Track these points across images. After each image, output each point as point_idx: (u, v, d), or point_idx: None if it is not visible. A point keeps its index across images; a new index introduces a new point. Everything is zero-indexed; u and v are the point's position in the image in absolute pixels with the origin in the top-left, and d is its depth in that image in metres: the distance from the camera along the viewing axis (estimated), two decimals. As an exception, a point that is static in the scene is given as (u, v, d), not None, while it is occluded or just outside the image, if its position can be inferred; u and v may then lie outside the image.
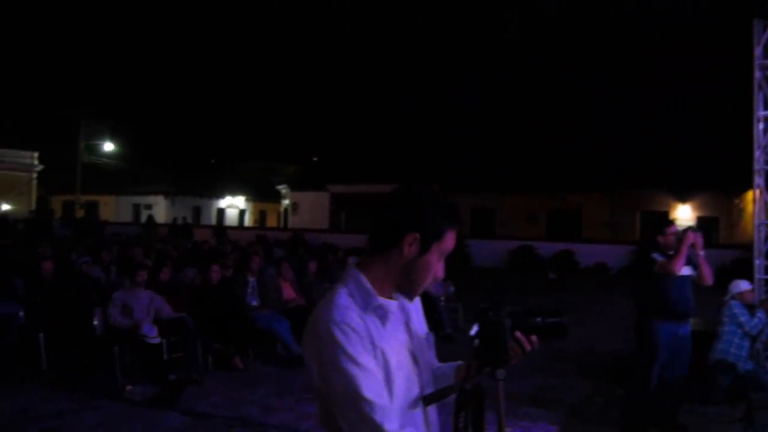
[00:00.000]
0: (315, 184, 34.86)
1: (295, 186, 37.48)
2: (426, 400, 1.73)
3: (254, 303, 7.91)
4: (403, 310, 1.80)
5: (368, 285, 1.68)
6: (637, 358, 5.38)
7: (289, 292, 8.24)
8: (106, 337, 6.52)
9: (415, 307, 1.86)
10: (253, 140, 57.06)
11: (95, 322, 6.65)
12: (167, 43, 69.18)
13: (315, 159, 44.30)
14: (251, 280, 8.03)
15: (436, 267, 1.72)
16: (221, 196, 40.77)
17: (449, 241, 1.72)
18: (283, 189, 39.65)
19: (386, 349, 1.64)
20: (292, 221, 36.05)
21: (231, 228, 28.42)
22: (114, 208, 36.82)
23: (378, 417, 1.52)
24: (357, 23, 57.07)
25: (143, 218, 32.74)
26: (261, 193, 43.42)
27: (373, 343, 1.61)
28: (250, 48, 72.35)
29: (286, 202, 39.18)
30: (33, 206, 30.43)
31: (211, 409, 5.78)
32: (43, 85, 50.64)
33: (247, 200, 42.91)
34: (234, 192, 41.74)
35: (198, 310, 7.20)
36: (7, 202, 29.30)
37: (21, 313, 7.32)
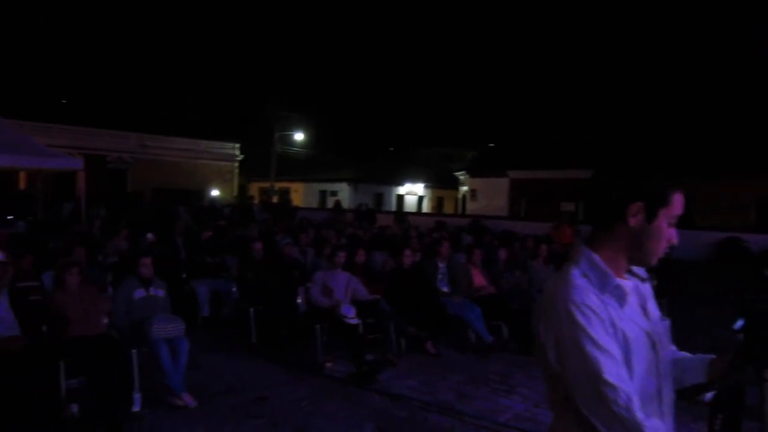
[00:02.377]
0: (494, 170, 34.40)
1: (474, 172, 37.28)
2: (682, 394, 1.65)
3: (444, 289, 7.89)
4: (638, 292, 1.69)
5: (603, 265, 1.61)
6: None
7: (479, 279, 8.11)
8: (308, 315, 6.87)
9: (647, 289, 1.74)
10: (431, 127, 57.79)
11: (299, 301, 7.04)
12: (350, 38, 72.18)
13: (491, 145, 43.72)
14: (441, 266, 8.03)
15: (667, 232, 1.63)
16: (401, 183, 41.76)
17: (677, 204, 1.63)
18: (461, 175, 39.67)
19: (627, 332, 1.55)
20: (470, 208, 35.95)
21: (410, 214, 28.98)
22: (302, 194, 39.37)
23: (622, 401, 1.44)
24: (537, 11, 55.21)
25: (328, 204, 34.61)
26: (439, 179, 43.85)
27: (614, 325, 1.53)
28: (429, 36, 73.11)
29: (464, 188, 39.16)
30: (235, 192, 33.48)
31: (408, 392, 5.84)
32: (242, 83, 55.44)
33: (426, 187, 43.53)
34: (413, 179, 42.54)
35: (391, 293, 7.33)
36: (215, 189, 32.56)
37: (234, 289, 7.99)
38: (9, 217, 13.89)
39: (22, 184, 23.95)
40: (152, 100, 37.75)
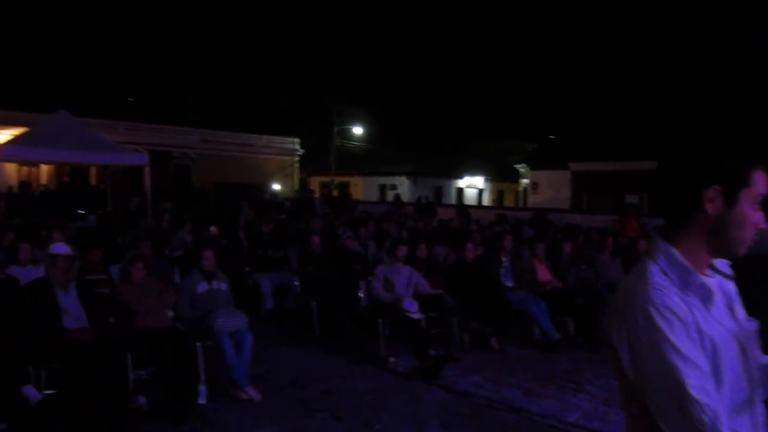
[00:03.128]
0: (555, 162, 33.62)
1: (534, 164, 36.57)
2: None
3: (508, 283, 7.70)
4: (723, 290, 1.51)
5: (684, 261, 1.43)
6: None
7: (544, 273, 7.86)
8: (370, 308, 6.80)
9: (732, 288, 1.56)
10: (489, 119, 57.10)
11: (360, 294, 6.97)
12: (407, 31, 72.00)
13: (551, 137, 42.87)
14: (504, 259, 7.82)
15: (753, 216, 1.44)
16: (460, 176, 41.41)
17: (760, 182, 1.44)
18: (521, 168, 39.03)
19: (714, 337, 1.37)
20: (531, 201, 35.30)
21: (470, 207, 28.65)
22: (362, 188, 39.48)
23: (709, 420, 1.28)
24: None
25: (388, 197, 34.61)
26: (499, 172, 43.31)
27: (699, 330, 1.35)
28: (485, 28, 72.16)
29: (524, 181, 38.51)
30: (296, 186, 33.89)
31: (472, 388, 5.70)
32: (302, 78, 56.19)
33: (486, 180, 43.05)
34: (473, 172, 42.12)
35: (453, 287, 7.18)
36: (276, 183, 33.06)
37: (296, 282, 8.01)
38: (80, 212, 14.42)
39: (92, 180, 24.92)
40: (214, 96, 38.67)
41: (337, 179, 36.48)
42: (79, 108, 19.73)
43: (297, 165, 35.74)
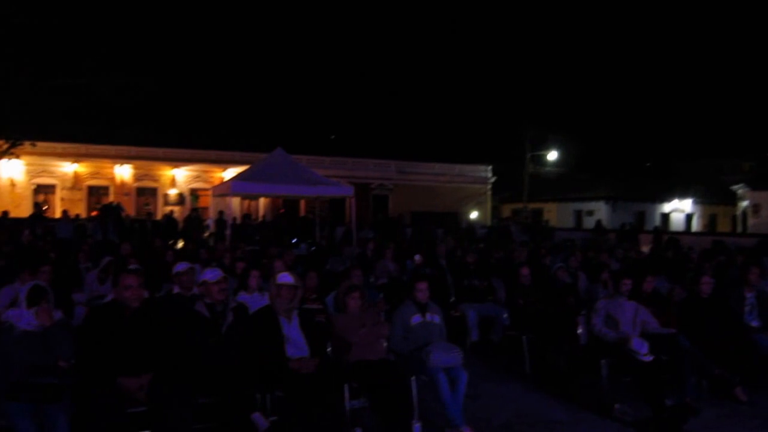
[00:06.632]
0: (783, 181, 29.65)
1: (756, 184, 32.55)
2: None
3: (753, 323, 6.64)
4: None
5: None
6: None
7: (799, 312, 6.67)
8: (590, 347, 6.21)
9: None
10: (695, 138, 52.31)
11: (579, 331, 6.41)
12: (599, 54, 69.00)
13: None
14: (749, 295, 6.77)
15: None
16: (666, 199, 38.13)
17: None
18: (739, 189, 34.96)
19: None
20: (752, 224, 31.40)
21: (678, 233, 26.06)
22: (556, 215, 37.93)
23: None
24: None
25: (584, 224, 32.84)
26: (711, 194, 39.19)
27: None
28: (680, 43, 66.66)
29: (743, 203, 34.41)
30: (488, 214, 33.59)
31: (721, 448, 4.90)
32: (493, 105, 56.15)
33: (695, 203, 39.14)
34: (680, 194, 38.55)
35: (687, 326, 6.33)
36: (469, 211, 33.04)
37: (504, 315, 7.65)
38: (293, 240, 15.42)
39: (302, 211, 26.82)
40: (409, 128, 39.99)
41: (530, 206, 35.51)
42: (292, 146, 21.43)
43: (489, 193, 35.47)
